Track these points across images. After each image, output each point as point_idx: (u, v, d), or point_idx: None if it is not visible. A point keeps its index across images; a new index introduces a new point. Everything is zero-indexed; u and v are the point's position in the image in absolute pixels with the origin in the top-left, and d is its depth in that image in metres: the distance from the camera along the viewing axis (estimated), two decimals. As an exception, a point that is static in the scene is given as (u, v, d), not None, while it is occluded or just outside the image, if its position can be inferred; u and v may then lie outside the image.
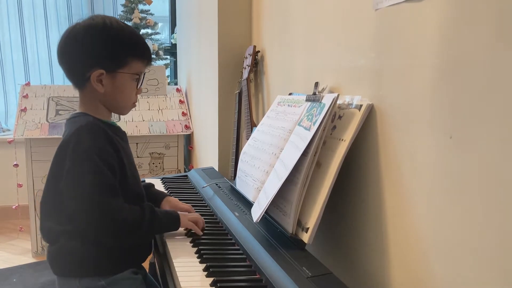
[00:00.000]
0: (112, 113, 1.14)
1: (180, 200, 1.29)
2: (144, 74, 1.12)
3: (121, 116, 2.43)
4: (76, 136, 1.00)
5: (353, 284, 1.00)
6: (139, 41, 1.11)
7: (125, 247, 1.06)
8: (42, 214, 1.08)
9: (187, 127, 2.75)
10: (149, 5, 3.35)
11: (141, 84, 1.12)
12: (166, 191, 1.51)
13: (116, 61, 1.06)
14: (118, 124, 1.17)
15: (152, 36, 3.38)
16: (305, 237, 0.93)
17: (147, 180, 1.64)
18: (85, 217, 0.98)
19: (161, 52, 3.40)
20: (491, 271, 0.67)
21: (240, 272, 0.93)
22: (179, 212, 1.13)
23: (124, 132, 1.16)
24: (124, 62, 1.06)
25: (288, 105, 1.23)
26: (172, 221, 1.10)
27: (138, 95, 1.14)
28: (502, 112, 0.64)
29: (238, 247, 1.04)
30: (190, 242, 1.09)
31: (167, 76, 3.45)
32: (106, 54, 1.05)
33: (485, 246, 0.67)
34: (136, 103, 1.16)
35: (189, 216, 1.13)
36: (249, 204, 1.20)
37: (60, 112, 2.68)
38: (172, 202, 1.27)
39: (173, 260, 0.99)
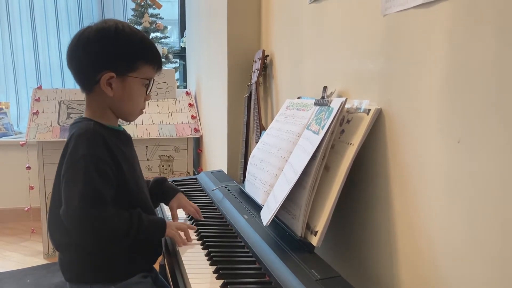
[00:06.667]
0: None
1: (189, 203, 1.30)
2: (153, 81, 1.11)
3: (131, 119, 2.44)
4: (73, 143, 1.00)
5: (362, 287, 1.00)
6: (150, 46, 1.10)
7: (134, 250, 1.06)
8: (50, 224, 1.08)
9: (196, 130, 2.77)
10: (158, 9, 3.38)
11: (149, 90, 1.11)
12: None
13: (127, 64, 1.05)
14: (127, 127, 1.16)
15: (162, 40, 3.41)
16: (314, 240, 0.94)
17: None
18: (71, 225, 0.96)
19: (170, 56, 3.43)
20: (499, 273, 0.67)
21: (249, 275, 0.94)
22: (167, 222, 1.11)
23: (128, 136, 1.15)
24: (134, 66, 1.05)
25: (297, 109, 1.24)
26: (157, 231, 1.09)
27: (146, 102, 1.13)
28: (510, 117, 0.64)
29: (248, 250, 1.05)
30: (200, 245, 1.10)
31: (177, 80, 3.47)
32: (117, 57, 1.04)
33: (493, 249, 0.68)
34: (144, 110, 1.14)
35: (175, 225, 1.12)
36: (258, 207, 1.21)
37: (71, 115, 2.71)
38: (181, 201, 1.27)
39: (184, 262, 1.00)
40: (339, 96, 1.13)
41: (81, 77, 1.07)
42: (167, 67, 3.37)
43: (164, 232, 1.09)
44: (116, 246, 1.03)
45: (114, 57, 1.04)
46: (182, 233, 1.13)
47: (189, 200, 1.31)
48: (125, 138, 1.13)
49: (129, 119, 1.14)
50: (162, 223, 1.10)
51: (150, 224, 1.06)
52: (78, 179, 0.96)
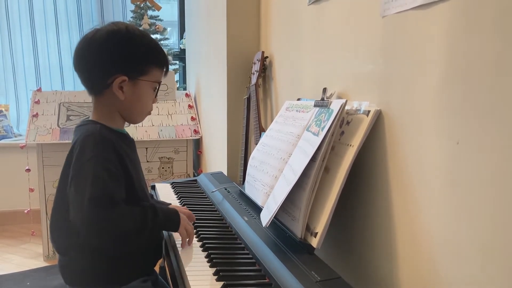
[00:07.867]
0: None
1: (189, 204, 1.30)
2: (160, 84, 1.11)
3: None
4: (80, 146, 0.99)
5: (362, 288, 1.01)
6: (159, 49, 1.10)
7: (134, 254, 1.06)
8: (52, 225, 1.07)
9: (196, 131, 2.77)
10: (158, 10, 3.39)
11: (157, 93, 1.11)
12: (176, 196, 1.53)
13: (139, 68, 1.05)
14: (128, 129, 1.16)
15: (161, 42, 3.41)
16: (314, 242, 0.94)
17: (157, 185, 1.66)
18: (86, 229, 0.94)
19: (170, 57, 3.43)
20: (499, 273, 0.67)
21: (249, 276, 0.94)
22: (181, 217, 1.09)
23: (132, 139, 1.15)
24: (145, 69, 1.05)
25: (297, 111, 1.24)
26: (172, 225, 1.08)
27: (153, 104, 1.13)
28: (509, 118, 0.64)
29: (248, 252, 1.05)
30: (200, 247, 1.10)
31: (176, 81, 3.47)
32: (129, 60, 1.03)
33: (492, 249, 0.68)
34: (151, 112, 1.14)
35: (186, 225, 1.10)
36: (258, 209, 1.21)
37: (71, 117, 2.71)
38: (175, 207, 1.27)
39: (184, 264, 1.00)
40: (339, 97, 1.13)
41: (90, 80, 1.06)
42: (166, 68, 3.36)
43: (178, 226, 1.08)
44: (133, 245, 1.01)
45: (127, 61, 1.03)
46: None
47: (190, 202, 1.32)
48: (129, 141, 1.13)
49: (136, 121, 1.14)
50: (176, 216, 1.09)
51: (165, 219, 1.06)
52: (87, 182, 0.94)
